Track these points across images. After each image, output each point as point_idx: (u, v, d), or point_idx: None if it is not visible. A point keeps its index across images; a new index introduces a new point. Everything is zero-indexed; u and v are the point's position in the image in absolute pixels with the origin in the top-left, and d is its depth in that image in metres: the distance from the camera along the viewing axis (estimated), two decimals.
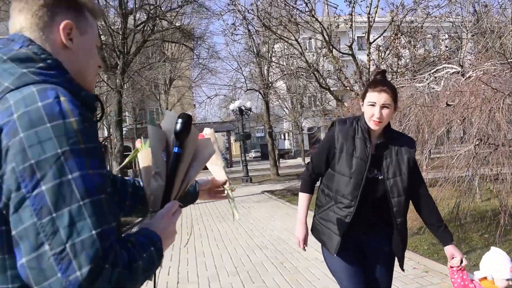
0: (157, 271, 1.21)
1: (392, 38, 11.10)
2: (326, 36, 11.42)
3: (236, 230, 9.21)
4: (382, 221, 2.69)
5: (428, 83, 6.09)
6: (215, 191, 1.74)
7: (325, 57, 12.49)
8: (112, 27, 13.35)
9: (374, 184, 2.57)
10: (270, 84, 22.15)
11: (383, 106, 2.46)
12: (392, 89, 2.50)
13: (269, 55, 19.67)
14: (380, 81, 2.56)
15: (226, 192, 1.73)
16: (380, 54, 11.54)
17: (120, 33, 12.99)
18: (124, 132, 14.67)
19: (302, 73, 15.35)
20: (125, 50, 13.02)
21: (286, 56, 15.44)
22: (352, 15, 11.16)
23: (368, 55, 11.69)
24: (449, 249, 2.62)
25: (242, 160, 21.41)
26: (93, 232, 0.92)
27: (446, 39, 13.68)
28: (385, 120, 2.51)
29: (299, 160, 38.78)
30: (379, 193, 2.59)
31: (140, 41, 13.86)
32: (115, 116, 13.45)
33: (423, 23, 11.46)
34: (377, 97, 2.47)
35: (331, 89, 13.09)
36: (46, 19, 1.12)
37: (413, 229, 7.29)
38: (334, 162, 2.61)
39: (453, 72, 5.79)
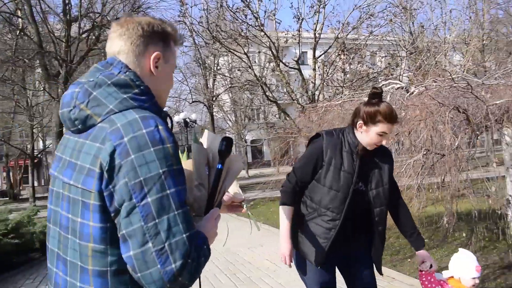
0: None
1: (337, 54, 11.56)
2: (274, 51, 11.70)
3: None
4: (363, 230, 2.72)
5: None
6: (233, 205, 1.93)
7: (274, 71, 12.74)
8: (54, 33, 12.79)
9: (358, 196, 2.58)
10: (215, 97, 22.23)
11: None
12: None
13: (215, 68, 19.75)
14: (393, 113, 2.50)
15: (245, 208, 1.93)
16: (325, 69, 11.99)
17: (64, 40, 12.47)
18: None
19: (248, 86, 15.59)
20: (68, 59, 12.50)
21: (234, 69, 15.58)
22: (299, 31, 11.52)
23: (314, 70, 12.10)
24: (421, 254, 2.73)
25: None
26: (184, 235, 1.20)
27: (385, 56, 14.45)
28: None
29: (242, 172, 38.99)
30: (363, 204, 2.61)
31: (84, 50, 13.39)
32: (55, 127, 12.84)
33: (366, 41, 12.04)
34: (389, 129, 2.49)
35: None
36: (141, 48, 1.37)
37: None
38: (320, 175, 2.58)
39: (398, 88, 6.14)
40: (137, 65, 1.37)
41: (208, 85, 21.89)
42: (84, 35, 13.51)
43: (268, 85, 13.47)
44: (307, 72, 13.05)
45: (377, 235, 2.67)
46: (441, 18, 12.75)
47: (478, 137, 4.79)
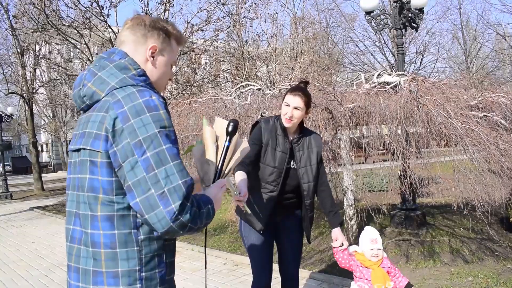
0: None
1: (183, 53, 11.64)
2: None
3: (17, 251, 8.02)
4: (295, 204, 3.11)
5: (233, 97, 6.77)
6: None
7: None
8: None
9: (290, 172, 3.01)
10: (35, 90, 19.89)
11: (295, 108, 2.88)
12: (305, 96, 2.91)
13: (37, 56, 17.63)
14: (297, 87, 2.95)
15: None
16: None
17: None
18: None
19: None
20: None
21: (70, 60, 14.20)
22: None
23: None
24: (334, 232, 3.06)
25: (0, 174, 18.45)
26: (180, 182, 1.41)
27: (222, 60, 15.13)
28: (296, 119, 2.91)
29: (61, 174, 35.44)
30: (294, 180, 3.01)
31: None
32: None
33: (212, 44, 12.43)
34: (291, 100, 2.89)
35: None
36: (142, 39, 1.63)
37: (210, 230, 7.86)
38: (261, 155, 2.97)
39: (257, 89, 6.63)
40: (136, 53, 1.61)
41: (27, 76, 19.31)
42: None
43: None
44: None
45: (304, 207, 3.05)
46: (272, 31, 13.95)
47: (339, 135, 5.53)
